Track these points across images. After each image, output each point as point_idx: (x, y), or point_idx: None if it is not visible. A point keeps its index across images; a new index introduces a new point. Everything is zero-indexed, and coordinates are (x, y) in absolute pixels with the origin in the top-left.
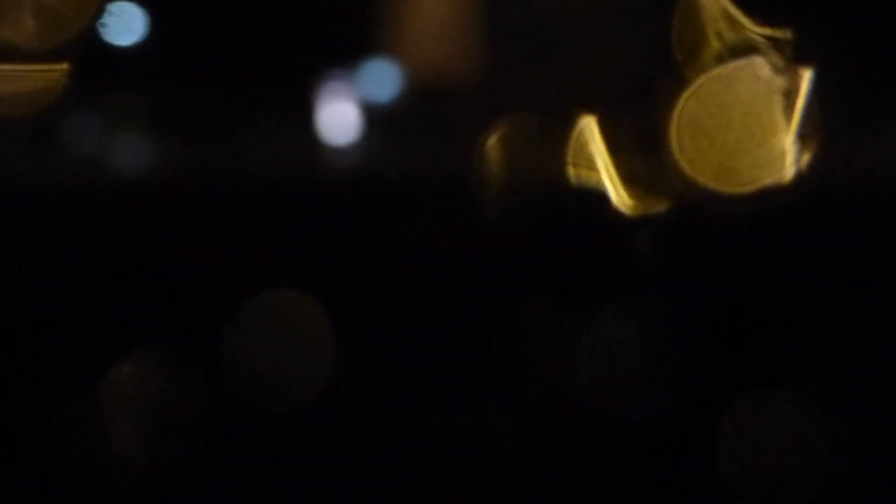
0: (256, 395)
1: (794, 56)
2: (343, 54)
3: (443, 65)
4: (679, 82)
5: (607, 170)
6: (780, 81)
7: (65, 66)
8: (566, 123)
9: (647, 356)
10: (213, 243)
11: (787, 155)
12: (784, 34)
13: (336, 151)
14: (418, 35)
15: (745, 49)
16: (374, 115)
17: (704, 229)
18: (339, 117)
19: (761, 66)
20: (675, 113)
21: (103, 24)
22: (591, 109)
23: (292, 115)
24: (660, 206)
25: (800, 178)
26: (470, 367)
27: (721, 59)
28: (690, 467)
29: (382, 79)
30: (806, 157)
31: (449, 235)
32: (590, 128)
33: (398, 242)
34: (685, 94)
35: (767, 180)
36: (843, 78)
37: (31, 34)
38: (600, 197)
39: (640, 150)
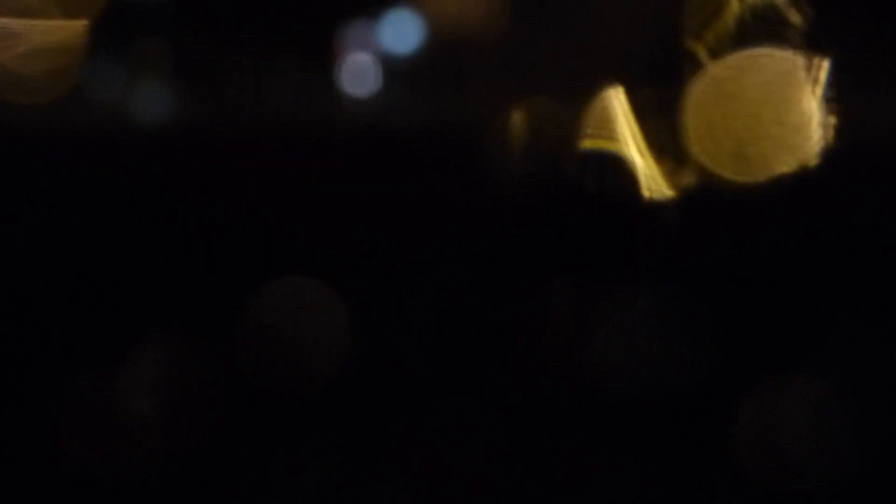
0: (270, 382)
1: (811, 43)
2: (364, 4)
3: (465, 18)
4: (693, 67)
5: (635, 142)
6: (795, 69)
7: (86, 20)
8: (589, 94)
9: (662, 338)
10: (230, 200)
11: (802, 143)
12: (801, 20)
13: (355, 103)
14: None
15: (759, 35)
16: (394, 67)
17: (724, 212)
18: (359, 68)
19: (776, 55)
20: (688, 101)
21: None
22: (615, 81)
23: (312, 66)
24: (686, 181)
25: (815, 165)
26: (485, 348)
27: (735, 44)
28: (705, 452)
29: (403, 30)
30: (821, 145)
31: (466, 197)
32: (616, 99)
33: (414, 201)
34: (698, 82)
35: (782, 169)
36: (859, 66)
37: None
38: (626, 169)
39: (663, 125)
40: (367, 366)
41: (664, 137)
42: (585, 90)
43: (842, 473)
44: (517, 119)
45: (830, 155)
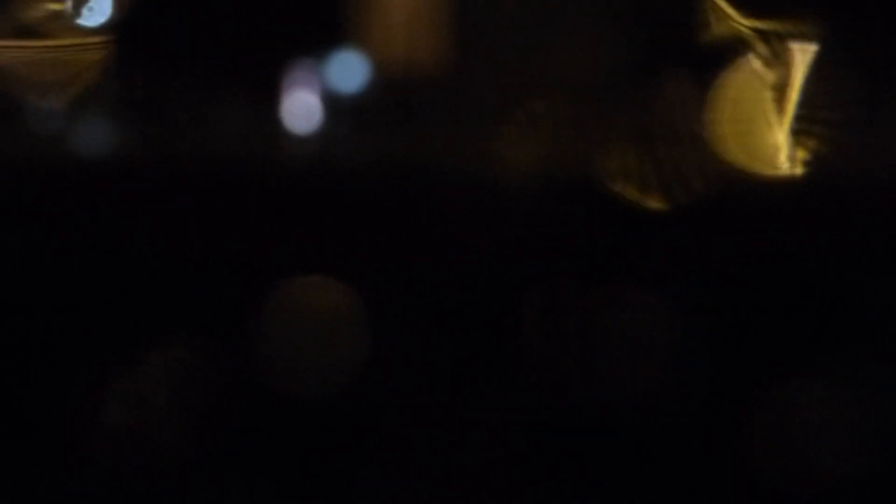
0: (282, 384)
1: (786, 47)
2: (312, 43)
3: (414, 55)
4: (673, 76)
5: (620, 160)
6: (771, 74)
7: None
8: (557, 116)
9: (661, 347)
10: (167, 236)
11: (780, 150)
12: (776, 26)
13: (302, 141)
14: (389, 24)
15: (733, 42)
16: (341, 106)
17: (714, 221)
18: (305, 107)
19: (752, 60)
20: (710, 95)
21: (71, 6)
22: (582, 101)
23: (259, 103)
24: (672, 198)
25: (794, 172)
26: (471, 364)
27: (712, 52)
28: (704, 459)
29: (351, 69)
30: (801, 152)
31: (418, 230)
32: (595, 118)
33: (360, 237)
34: (719, 81)
35: (761, 175)
36: (839, 69)
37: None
38: (609, 189)
39: (646, 142)
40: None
41: (653, 154)
42: (555, 114)
43: (848, 476)
44: (474, 154)
45: (811, 161)
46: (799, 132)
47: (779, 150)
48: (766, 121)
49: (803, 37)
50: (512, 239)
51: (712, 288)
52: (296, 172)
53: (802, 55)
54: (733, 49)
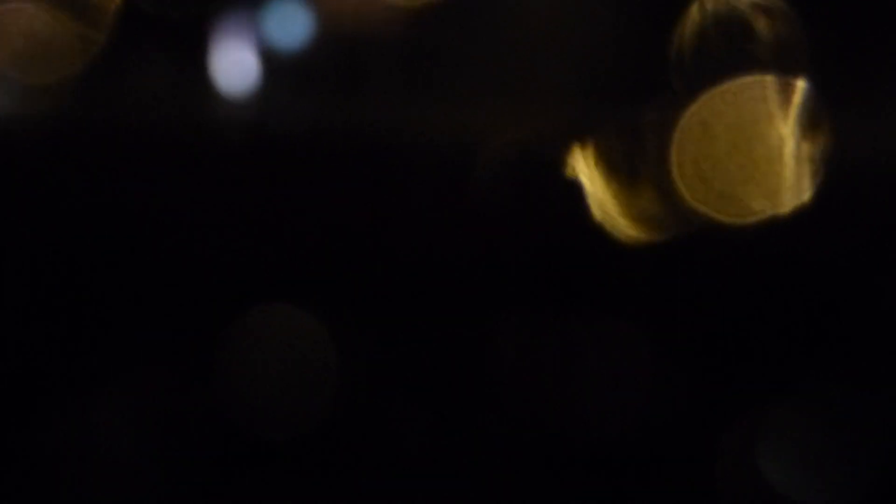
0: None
1: (796, 69)
2: None
3: (364, 7)
4: (676, 100)
5: (598, 193)
6: (783, 99)
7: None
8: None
9: (640, 375)
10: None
11: (792, 183)
12: (785, 44)
13: (232, 105)
14: None
15: (744, 62)
16: (278, 64)
17: (703, 257)
18: (237, 64)
19: (764, 84)
20: (674, 135)
21: None
22: (574, 125)
23: (185, 60)
24: (657, 233)
25: (806, 206)
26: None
27: (720, 73)
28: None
29: (290, 21)
30: (812, 184)
31: (362, 207)
32: (578, 148)
33: (295, 217)
34: (685, 115)
35: (771, 210)
36: (845, 92)
37: None
38: (589, 221)
39: (635, 172)
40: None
41: (640, 187)
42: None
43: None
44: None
45: (822, 192)
46: (810, 161)
47: (788, 185)
48: (776, 152)
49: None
50: (474, 228)
51: (692, 316)
52: (226, 141)
53: (793, 78)
54: (740, 71)
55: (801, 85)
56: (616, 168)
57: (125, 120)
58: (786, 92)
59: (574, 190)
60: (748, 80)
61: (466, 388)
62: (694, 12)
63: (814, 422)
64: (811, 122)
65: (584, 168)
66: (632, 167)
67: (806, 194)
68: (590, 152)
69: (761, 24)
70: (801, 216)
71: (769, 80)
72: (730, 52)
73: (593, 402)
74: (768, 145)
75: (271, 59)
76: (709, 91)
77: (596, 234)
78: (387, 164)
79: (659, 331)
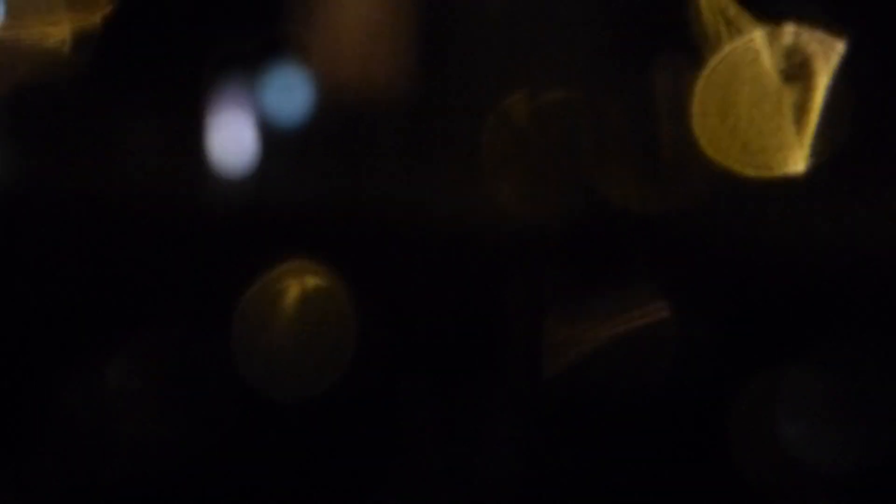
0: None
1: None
2: (245, 57)
3: (367, 76)
4: (695, 57)
5: (603, 162)
6: (808, 54)
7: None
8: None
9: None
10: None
11: (815, 140)
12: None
13: (231, 178)
14: (339, 38)
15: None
16: (279, 135)
17: (712, 224)
18: (236, 135)
19: (791, 34)
20: (695, 87)
21: None
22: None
23: (180, 131)
24: (662, 201)
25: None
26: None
27: (741, 26)
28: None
29: (292, 91)
30: (831, 143)
31: (369, 286)
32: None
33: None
34: (708, 66)
35: (792, 165)
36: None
37: None
38: (596, 191)
39: (652, 130)
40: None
41: (668, 132)
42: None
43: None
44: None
45: (838, 153)
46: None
47: (798, 141)
48: (800, 106)
49: (828, 33)
50: (487, 300)
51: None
52: (223, 216)
53: (827, 54)
54: (739, 41)
55: (829, 40)
56: (633, 130)
57: (113, 193)
58: (814, 46)
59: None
60: (774, 31)
61: (479, 358)
62: None
63: (828, 386)
64: (829, 81)
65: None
66: (650, 126)
67: (826, 153)
68: (606, 117)
69: None
70: (823, 176)
71: (796, 32)
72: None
73: (603, 370)
74: (794, 99)
75: (269, 131)
76: (732, 43)
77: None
78: (389, 240)
79: (674, 297)
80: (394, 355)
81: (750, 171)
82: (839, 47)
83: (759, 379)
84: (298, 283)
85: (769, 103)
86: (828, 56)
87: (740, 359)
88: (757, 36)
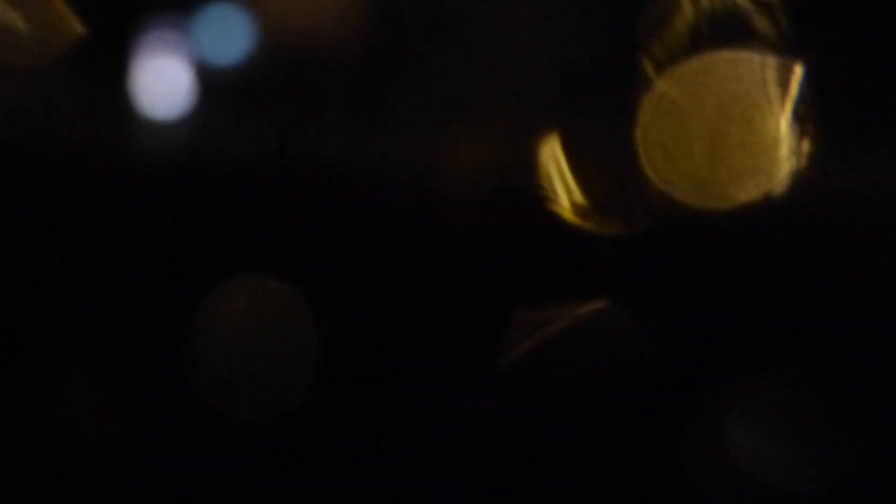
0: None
1: (784, 41)
2: None
3: (312, 18)
4: (646, 75)
5: (563, 181)
6: (766, 75)
7: None
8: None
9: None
10: None
11: (773, 165)
12: (770, 22)
13: (160, 127)
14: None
15: (720, 39)
16: (212, 82)
17: (676, 248)
18: (165, 82)
19: (739, 58)
20: (641, 115)
21: None
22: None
23: (107, 77)
24: (626, 225)
25: (789, 191)
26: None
27: (694, 42)
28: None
29: (228, 31)
30: (796, 168)
31: (306, 238)
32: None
33: (223, 253)
34: (652, 92)
35: (751, 194)
36: (838, 74)
37: None
38: (554, 209)
39: (601, 158)
40: None
41: (613, 162)
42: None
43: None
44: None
45: (801, 180)
46: (794, 145)
47: (769, 167)
48: (755, 133)
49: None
50: (432, 260)
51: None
52: (153, 170)
53: (784, 58)
54: (717, 39)
55: (781, 63)
56: (585, 157)
57: (40, 143)
58: (765, 70)
59: (543, 185)
60: (722, 55)
61: (450, 372)
62: None
63: (787, 402)
64: (792, 101)
65: (552, 161)
66: (601, 154)
67: (783, 180)
68: (557, 144)
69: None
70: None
71: (746, 57)
72: (704, 29)
73: (571, 390)
74: (743, 125)
75: (205, 77)
76: (678, 67)
77: (567, 228)
78: (334, 195)
79: (634, 319)
80: (359, 362)
81: (699, 203)
82: (798, 70)
83: (716, 394)
84: (253, 297)
85: (713, 132)
86: (785, 80)
87: (697, 374)
88: (706, 61)
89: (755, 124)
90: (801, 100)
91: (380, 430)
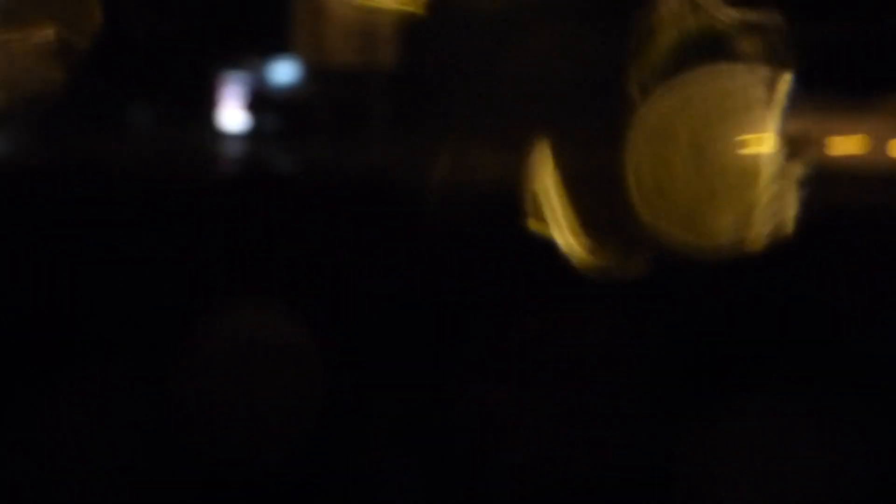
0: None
1: (772, 52)
2: (246, 46)
3: (356, 66)
4: (633, 97)
5: (559, 216)
6: (749, 93)
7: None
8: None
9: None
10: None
11: (762, 204)
12: (759, 22)
13: (229, 152)
14: (333, 36)
15: (712, 42)
16: (273, 114)
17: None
18: (235, 115)
19: (726, 74)
20: (630, 143)
21: None
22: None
23: (188, 110)
24: (619, 259)
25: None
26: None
27: (679, 62)
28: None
29: (286, 76)
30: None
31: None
32: (541, 166)
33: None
34: (639, 115)
35: (740, 234)
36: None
37: None
38: (550, 246)
39: (597, 190)
40: None
41: (602, 207)
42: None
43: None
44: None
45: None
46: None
47: (758, 206)
48: (731, 166)
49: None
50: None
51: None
52: (218, 183)
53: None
54: (707, 54)
55: (765, 80)
56: (575, 188)
57: (116, 166)
58: (748, 87)
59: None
60: (705, 72)
61: (450, 372)
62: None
63: (768, 441)
64: (784, 129)
65: (543, 191)
66: (590, 185)
67: (777, 221)
68: (548, 173)
69: (725, 24)
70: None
71: (734, 70)
72: (688, 49)
73: (558, 429)
74: (728, 150)
75: (265, 104)
76: (663, 88)
77: (558, 262)
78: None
79: (624, 354)
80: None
81: (690, 239)
82: (781, 88)
83: (699, 424)
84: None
85: (702, 162)
86: (768, 97)
87: (685, 411)
88: (689, 80)
89: (739, 148)
90: (784, 116)
91: (379, 431)
